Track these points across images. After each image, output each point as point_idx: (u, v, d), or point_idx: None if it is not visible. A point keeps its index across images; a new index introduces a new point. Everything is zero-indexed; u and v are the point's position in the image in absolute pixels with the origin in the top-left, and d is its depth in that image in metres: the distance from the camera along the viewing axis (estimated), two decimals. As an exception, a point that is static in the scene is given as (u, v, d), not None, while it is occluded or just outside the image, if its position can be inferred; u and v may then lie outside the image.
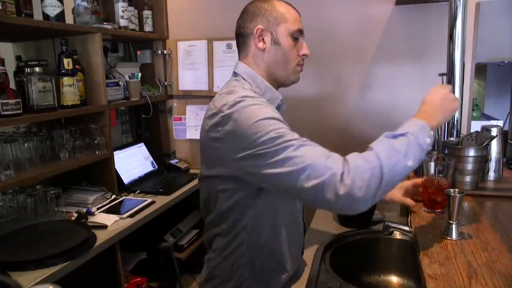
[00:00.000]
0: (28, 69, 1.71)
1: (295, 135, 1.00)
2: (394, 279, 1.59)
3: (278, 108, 1.20)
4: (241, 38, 1.26)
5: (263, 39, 1.19)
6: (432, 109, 1.07)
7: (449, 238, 1.10)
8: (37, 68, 1.71)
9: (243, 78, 1.21)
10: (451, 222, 1.11)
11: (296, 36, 1.20)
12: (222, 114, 1.05)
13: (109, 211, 1.90)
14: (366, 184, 0.91)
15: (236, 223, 1.16)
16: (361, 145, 2.24)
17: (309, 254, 1.49)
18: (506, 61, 2.22)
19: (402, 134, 0.99)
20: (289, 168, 0.95)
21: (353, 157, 0.96)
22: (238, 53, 1.28)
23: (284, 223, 1.20)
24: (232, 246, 1.17)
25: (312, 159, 0.94)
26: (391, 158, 0.95)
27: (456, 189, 1.11)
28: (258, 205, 1.14)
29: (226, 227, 1.17)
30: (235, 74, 1.24)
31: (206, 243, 1.28)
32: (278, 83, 1.24)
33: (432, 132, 1.02)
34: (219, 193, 1.15)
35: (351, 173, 0.92)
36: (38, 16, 1.75)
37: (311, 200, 0.97)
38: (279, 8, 1.20)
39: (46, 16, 1.78)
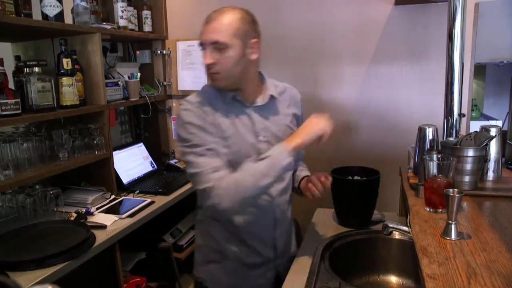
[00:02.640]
0: (27, 69, 1.71)
1: (202, 142, 1.25)
2: (393, 279, 1.59)
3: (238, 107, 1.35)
4: None
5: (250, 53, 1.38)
6: (299, 131, 1.28)
7: (448, 238, 1.09)
8: (36, 68, 1.71)
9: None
10: (450, 222, 1.10)
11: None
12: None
13: (108, 211, 1.91)
14: (231, 199, 1.19)
15: None
16: (360, 144, 2.26)
17: (309, 254, 1.49)
18: (505, 61, 2.23)
19: (264, 158, 1.22)
20: (188, 168, 1.26)
21: (228, 176, 1.21)
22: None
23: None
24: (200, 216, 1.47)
25: (201, 169, 1.22)
26: (254, 179, 1.20)
27: (455, 189, 1.11)
28: None
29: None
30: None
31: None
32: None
33: (293, 153, 1.22)
34: None
35: (221, 189, 1.19)
36: (37, 16, 1.75)
37: (202, 199, 1.25)
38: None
39: (45, 16, 1.78)
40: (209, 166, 1.21)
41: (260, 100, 1.37)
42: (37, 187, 1.81)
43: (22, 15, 1.65)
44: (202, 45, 1.33)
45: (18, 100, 1.62)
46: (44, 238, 1.58)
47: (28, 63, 1.72)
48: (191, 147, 1.24)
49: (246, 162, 1.23)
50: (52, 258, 1.43)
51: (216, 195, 1.18)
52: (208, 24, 1.36)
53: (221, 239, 1.42)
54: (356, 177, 1.74)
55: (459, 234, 1.10)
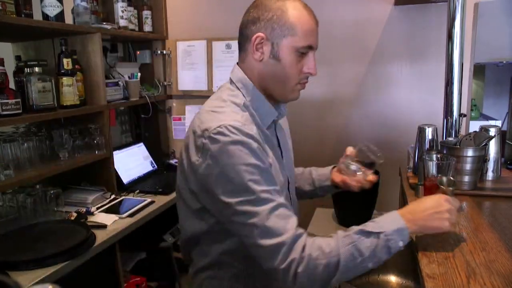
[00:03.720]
0: (28, 69, 1.71)
1: (271, 188, 0.95)
2: (392, 278, 1.59)
3: (271, 123, 1.13)
4: (241, 37, 1.09)
5: (262, 49, 1.04)
6: (420, 214, 0.97)
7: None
8: (36, 68, 1.71)
9: (237, 87, 1.09)
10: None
11: (303, 51, 1.04)
12: (203, 141, 0.97)
13: (108, 210, 1.91)
14: (316, 279, 0.91)
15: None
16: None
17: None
18: (504, 62, 2.23)
19: (376, 234, 0.92)
20: (250, 222, 0.92)
21: (314, 246, 0.92)
22: (238, 52, 1.13)
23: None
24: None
25: (276, 231, 0.92)
26: (352, 260, 0.91)
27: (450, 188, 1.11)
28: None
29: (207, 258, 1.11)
30: (230, 80, 1.12)
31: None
32: (273, 98, 1.11)
33: (408, 236, 0.95)
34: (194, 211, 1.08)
35: (304, 265, 0.90)
36: (37, 16, 1.75)
37: (263, 262, 0.94)
38: (291, 17, 1.01)
39: (45, 16, 1.78)
40: (287, 229, 0.92)
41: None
42: (37, 187, 1.81)
43: (23, 15, 1.65)
44: (311, 49, 1.07)
45: (19, 100, 1.62)
46: (45, 238, 1.58)
47: (28, 63, 1.72)
48: (256, 201, 0.92)
49: (349, 231, 0.95)
50: (53, 258, 1.43)
51: (299, 273, 0.89)
52: (317, 25, 1.07)
53: None
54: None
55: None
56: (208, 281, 1.13)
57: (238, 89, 1.09)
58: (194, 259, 1.17)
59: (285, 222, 0.93)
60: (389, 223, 0.94)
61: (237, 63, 1.13)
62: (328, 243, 0.92)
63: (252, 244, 0.94)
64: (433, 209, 0.97)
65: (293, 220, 0.95)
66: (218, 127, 0.95)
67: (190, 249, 1.17)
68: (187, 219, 1.11)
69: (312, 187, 1.37)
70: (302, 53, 1.04)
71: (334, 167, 1.34)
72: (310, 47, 1.05)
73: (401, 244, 0.93)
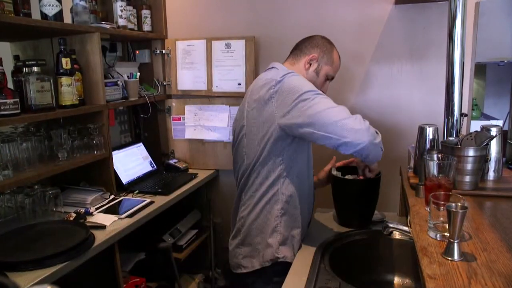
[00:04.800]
0: (26, 69, 1.71)
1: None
2: (393, 279, 1.59)
3: None
4: (298, 50, 1.66)
5: (310, 63, 1.63)
6: None
7: (450, 258, 0.99)
8: (35, 67, 1.71)
9: (278, 69, 1.56)
10: (452, 240, 0.99)
11: (329, 78, 1.67)
12: (274, 82, 1.47)
13: (107, 211, 1.90)
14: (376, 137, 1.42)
15: (273, 168, 1.54)
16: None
17: (309, 254, 1.49)
18: (505, 61, 2.22)
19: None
20: (324, 107, 1.39)
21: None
22: (287, 58, 1.70)
23: (305, 179, 1.63)
24: (268, 196, 1.56)
25: (340, 110, 1.40)
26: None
27: (458, 204, 1.00)
28: (292, 158, 1.54)
29: (263, 180, 1.55)
30: (272, 67, 1.61)
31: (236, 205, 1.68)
32: None
33: None
34: (263, 147, 1.52)
35: (370, 128, 1.40)
36: (36, 15, 1.74)
37: (340, 134, 1.36)
38: (334, 55, 1.67)
39: (44, 16, 1.78)
40: (344, 109, 1.41)
41: None
42: (36, 187, 1.81)
43: (21, 15, 1.64)
44: (332, 79, 1.70)
45: (17, 99, 1.61)
46: (43, 238, 1.58)
47: (27, 62, 1.71)
48: (323, 95, 1.43)
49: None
50: (51, 259, 1.42)
51: (373, 132, 1.39)
52: (340, 60, 1.72)
53: (301, 208, 1.59)
54: (348, 176, 1.74)
55: (462, 254, 0.99)
56: None
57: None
58: None
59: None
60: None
61: (280, 63, 1.64)
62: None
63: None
64: None
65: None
66: (283, 73, 1.50)
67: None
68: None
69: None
70: (327, 79, 1.67)
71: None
72: (332, 78, 1.70)
73: None
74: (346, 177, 1.72)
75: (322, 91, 1.54)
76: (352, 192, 1.69)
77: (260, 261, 1.57)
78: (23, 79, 1.70)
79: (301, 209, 1.60)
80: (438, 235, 1.09)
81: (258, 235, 1.57)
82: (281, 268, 1.51)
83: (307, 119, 1.39)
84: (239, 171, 1.64)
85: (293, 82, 1.46)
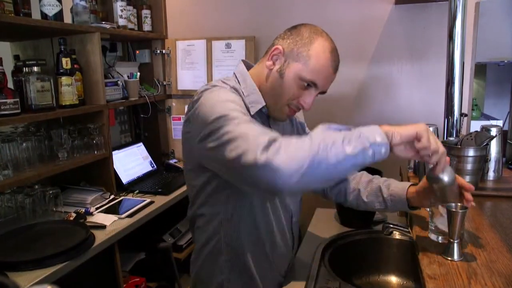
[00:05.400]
0: (26, 69, 1.71)
1: (245, 117, 0.96)
2: (393, 279, 1.59)
3: (261, 113, 1.17)
4: (269, 46, 1.18)
5: (275, 61, 1.13)
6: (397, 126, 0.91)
7: (449, 258, 0.99)
8: (35, 67, 1.71)
9: (235, 76, 1.20)
10: (452, 240, 0.99)
11: (307, 83, 1.10)
12: (193, 100, 1.09)
13: (107, 211, 1.90)
14: (290, 155, 0.83)
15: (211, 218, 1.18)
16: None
17: (308, 254, 1.49)
18: (505, 61, 2.22)
19: (347, 128, 0.89)
20: (224, 140, 0.92)
21: (287, 138, 0.88)
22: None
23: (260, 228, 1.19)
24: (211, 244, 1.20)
25: (246, 132, 0.90)
26: (325, 141, 0.84)
27: (459, 204, 1.00)
28: (230, 201, 1.14)
29: (202, 222, 1.21)
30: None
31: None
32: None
33: (381, 132, 0.86)
34: (193, 187, 1.19)
35: (276, 145, 0.84)
36: (36, 15, 1.74)
37: (233, 174, 0.95)
38: (312, 49, 1.09)
39: (44, 15, 1.78)
40: (256, 130, 0.91)
41: None
42: (36, 187, 1.81)
43: (21, 15, 1.64)
44: (315, 87, 1.11)
45: (17, 99, 1.61)
46: (43, 238, 1.58)
47: (27, 62, 1.71)
48: (230, 120, 0.94)
49: (317, 128, 0.92)
50: (51, 258, 1.42)
51: (270, 152, 0.83)
52: (334, 73, 1.15)
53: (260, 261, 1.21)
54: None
55: (461, 254, 1.00)
56: None
57: (236, 77, 1.19)
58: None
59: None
60: (363, 127, 0.89)
61: (242, 60, 1.24)
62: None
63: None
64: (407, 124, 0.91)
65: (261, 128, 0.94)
66: (202, 89, 1.10)
67: None
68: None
69: (383, 206, 1.27)
70: (305, 84, 1.09)
71: (412, 184, 1.22)
72: (314, 84, 1.10)
73: (378, 139, 0.85)
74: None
75: (301, 104, 1.12)
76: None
77: None
78: (23, 79, 1.70)
79: (255, 245, 1.20)
80: (439, 238, 1.09)
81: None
82: None
83: (214, 159, 1.02)
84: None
85: (206, 102, 1.04)
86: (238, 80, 1.18)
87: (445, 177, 0.94)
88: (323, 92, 1.15)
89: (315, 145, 0.83)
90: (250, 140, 0.87)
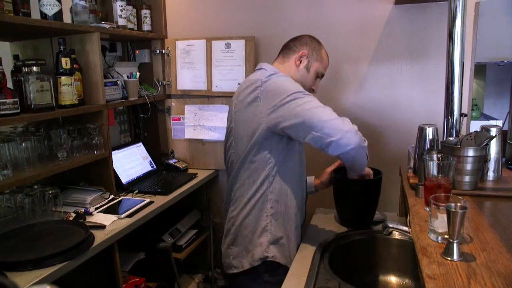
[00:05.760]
0: (26, 69, 1.70)
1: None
2: (393, 279, 1.59)
3: None
4: (287, 50, 1.67)
5: (301, 60, 1.63)
6: None
7: (449, 258, 0.99)
8: (34, 67, 1.70)
9: (266, 70, 1.58)
10: (452, 240, 0.99)
11: (319, 76, 1.69)
12: (260, 82, 1.49)
13: (107, 211, 1.90)
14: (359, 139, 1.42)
15: (263, 167, 1.54)
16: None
17: (308, 254, 1.49)
18: (505, 61, 2.22)
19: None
20: (310, 106, 1.40)
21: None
22: (276, 57, 1.71)
23: (297, 179, 1.64)
24: (258, 195, 1.55)
25: (332, 113, 1.43)
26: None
27: (458, 204, 1.00)
28: (281, 157, 1.54)
29: (253, 179, 1.55)
30: (260, 68, 1.62)
31: (226, 203, 1.69)
32: None
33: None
34: (251, 147, 1.53)
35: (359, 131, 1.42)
36: (35, 15, 1.74)
37: (329, 129, 1.38)
38: (323, 53, 1.68)
39: (43, 15, 1.78)
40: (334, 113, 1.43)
41: None
42: (35, 187, 1.80)
43: (21, 14, 1.64)
44: (322, 77, 1.72)
45: (17, 99, 1.61)
46: (43, 238, 1.58)
47: (26, 62, 1.71)
48: (310, 96, 1.44)
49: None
50: (51, 259, 1.42)
51: (361, 136, 1.41)
52: (328, 59, 1.72)
53: (292, 208, 1.60)
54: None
55: (461, 254, 0.99)
56: None
57: (267, 70, 1.60)
58: None
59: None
60: None
61: (268, 63, 1.65)
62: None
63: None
64: None
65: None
66: (268, 74, 1.53)
67: None
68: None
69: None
70: (317, 76, 1.68)
71: (315, 177, 1.84)
72: (323, 75, 1.71)
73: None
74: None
75: (313, 89, 1.68)
76: (354, 193, 1.69)
77: (249, 260, 1.56)
78: (22, 78, 1.69)
79: (293, 209, 1.60)
80: (439, 238, 1.09)
81: (248, 235, 1.57)
82: (271, 267, 1.51)
83: (295, 117, 1.40)
84: (230, 171, 1.65)
85: (280, 82, 1.48)
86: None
87: None
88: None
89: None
90: (344, 124, 1.40)
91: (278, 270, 1.52)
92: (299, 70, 1.63)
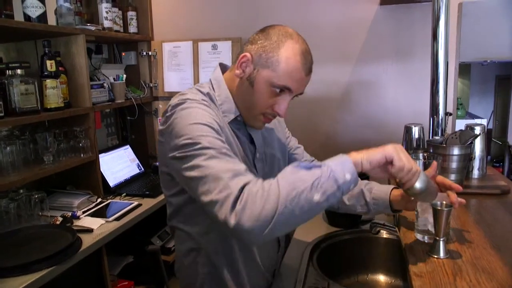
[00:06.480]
0: (10, 71, 1.68)
1: (217, 145, 0.93)
2: (381, 278, 1.60)
3: (236, 122, 1.13)
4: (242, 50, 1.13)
5: (244, 68, 1.07)
6: (366, 150, 0.91)
7: (435, 256, 0.98)
8: (19, 70, 1.68)
9: (210, 81, 1.17)
10: (438, 238, 0.99)
11: (280, 89, 1.05)
12: (166, 114, 1.04)
13: (95, 214, 1.88)
14: (256, 214, 0.81)
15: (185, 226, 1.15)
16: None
17: (297, 254, 1.49)
18: (488, 60, 2.26)
19: (317, 166, 0.86)
20: (194, 174, 0.90)
21: (255, 183, 0.86)
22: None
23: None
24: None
25: (217, 173, 0.87)
26: (293, 189, 0.82)
27: (444, 202, 1.00)
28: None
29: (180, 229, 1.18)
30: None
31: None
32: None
33: (355, 168, 0.86)
34: (170, 204, 1.16)
35: (243, 201, 0.82)
36: (19, 17, 1.72)
37: (211, 217, 0.88)
38: (281, 54, 1.03)
39: (27, 17, 1.75)
40: (227, 169, 0.88)
41: None
42: (21, 191, 1.78)
43: (3, 16, 1.62)
44: (289, 91, 1.07)
45: (0, 103, 1.59)
46: (29, 243, 1.56)
47: (10, 65, 1.69)
48: (200, 150, 0.92)
49: (287, 167, 0.89)
50: (37, 264, 1.40)
51: (237, 210, 0.82)
52: (307, 76, 1.09)
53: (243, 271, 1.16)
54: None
55: (447, 252, 1.00)
56: None
57: (211, 83, 1.16)
58: None
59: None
60: (332, 160, 0.88)
61: (220, 64, 1.21)
62: (267, 181, 0.86)
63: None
64: (380, 147, 0.91)
65: (230, 164, 0.91)
66: (177, 101, 1.03)
67: None
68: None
69: (366, 209, 1.25)
70: (279, 90, 1.05)
71: (395, 187, 1.22)
72: (288, 89, 1.06)
73: (348, 176, 0.84)
74: None
75: (276, 112, 1.09)
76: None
77: None
78: (6, 81, 1.67)
79: (244, 271, 1.16)
80: (425, 237, 1.10)
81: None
82: None
83: (186, 186, 1.00)
84: None
85: (178, 121, 0.99)
86: (213, 87, 1.14)
87: (417, 184, 0.93)
88: (300, 93, 1.11)
89: (283, 197, 0.81)
90: (221, 186, 0.86)
91: None
92: (240, 83, 1.10)
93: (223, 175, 0.87)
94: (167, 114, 1.03)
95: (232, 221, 0.82)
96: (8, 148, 1.72)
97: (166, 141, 1.02)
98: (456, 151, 1.43)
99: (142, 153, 2.62)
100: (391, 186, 1.23)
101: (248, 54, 1.06)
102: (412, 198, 1.08)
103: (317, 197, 0.82)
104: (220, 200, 0.85)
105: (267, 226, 0.81)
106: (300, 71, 1.05)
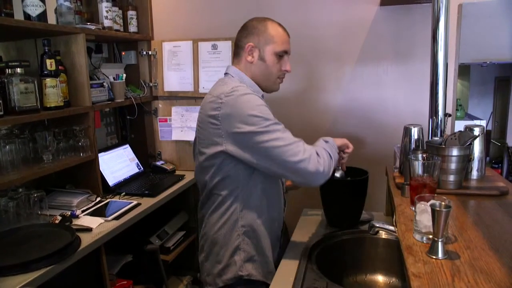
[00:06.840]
0: (9, 70, 1.68)
1: (279, 121, 1.33)
2: (380, 278, 1.60)
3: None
4: (237, 48, 1.50)
5: (252, 54, 1.46)
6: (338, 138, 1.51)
7: (434, 257, 1.00)
8: (18, 69, 1.68)
9: (232, 76, 1.47)
10: (436, 239, 1.00)
11: (281, 54, 1.46)
12: (220, 100, 1.32)
13: (94, 213, 1.88)
14: (327, 164, 1.33)
15: (230, 193, 1.43)
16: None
17: (296, 254, 1.49)
18: (488, 62, 2.26)
19: (327, 141, 1.43)
20: (279, 144, 1.28)
21: (314, 147, 1.36)
22: (233, 58, 1.55)
23: (269, 195, 1.49)
24: (227, 215, 1.44)
25: (294, 141, 1.30)
26: (330, 151, 1.38)
27: (443, 203, 1.02)
28: (247, 177, 1.42)
29: (221, 198, 1.44)
30: (226, 74, 1.51)
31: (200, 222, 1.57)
32: (261, 89, 1.51)
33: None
34: (215, 167, 1.41)
35: (320, 157, 1.32)
36: (19, 15, 1.72)
37: (298, 171, 1.29)
38: (271, 30, 1.45)
39: (27, 16, 1.75)
40: (295, 138, 1.31)
41: None
42: (20, 190, 1.78)
43: (3, 15, 1.62)
44: (286, 53, 1.48)
45: (0, 101, 1.59)
46: (28, 242, 1.56)
47: (10, 63, 1.69)
48: (274, 125, 1.30)
49: (320, 140, 1.43)
50: (36, 262, 1.40)
51: (319, 162, 1.30)
52: (289, 37, 1.50)
53: (266, 223, 1.48)
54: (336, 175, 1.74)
55: (446, 252, 1.01)
56: None
57: (232, 77, 1.48)
58: None
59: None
60: (329, 139, 1.45)
61: (232, 65, 1.52)
62: (316, 145, 1.40)
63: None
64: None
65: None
66: (230, 89, 1.34)
67: None
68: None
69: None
70: (280, 56, 1.47)
71: None
72: (286, 52, 1.48)
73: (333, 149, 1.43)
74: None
75: (286, 70, 1.48)
76: (340, 193, 1.70)
77: (223, 279, 1.46)
78: (6, 80, 1.67)
79: (267, 224, 1.49)
80: (424, 238, 1.10)
81: (220, 252, 1.47)
82: (246, 286, 1.45)
83: (262, 156, 1.31)
84: (200, 184, 1.54)
85: (242, 105, 1.30)
86: (238, 80, 1.45)
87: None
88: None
89: (328, 155, 1.37)
90: (302, 149, 1.29)
91: (254, 285, 1.46)
92: (254, 64, 1.46)
93: (299, 143, 1.31)
94: (221, 101, 1.32)
95: (321, 169, 1.30)
96: (7, 146, 1.72)
97: (225, 122, 1.32)
98: (455, 152, 1.43)
99: (142, 153, 2.62)
100: None
101: (251, 43, 1.45)
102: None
103: (333, 156, 1.40)
104: (307, 158, 1.28)
105: (330, 170, 1.35)
106: (286, 36, 1.49)
